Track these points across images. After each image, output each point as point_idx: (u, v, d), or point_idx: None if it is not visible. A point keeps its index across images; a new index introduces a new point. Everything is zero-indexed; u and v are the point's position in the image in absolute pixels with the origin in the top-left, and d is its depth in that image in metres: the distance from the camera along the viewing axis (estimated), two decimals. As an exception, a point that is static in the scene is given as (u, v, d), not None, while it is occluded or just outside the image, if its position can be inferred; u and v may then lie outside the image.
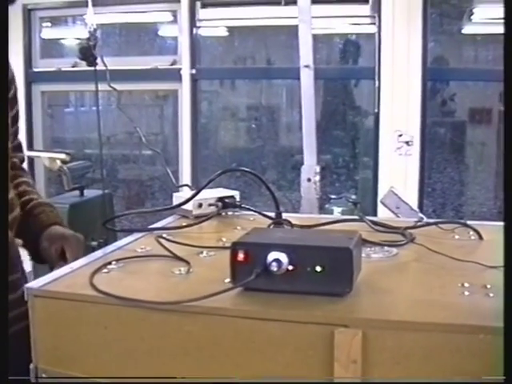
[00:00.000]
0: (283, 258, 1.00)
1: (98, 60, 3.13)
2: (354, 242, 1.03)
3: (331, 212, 3.22)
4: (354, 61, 4.63)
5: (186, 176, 4.36)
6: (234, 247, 1.03)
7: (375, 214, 3.62)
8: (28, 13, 4.75)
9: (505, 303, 0.86)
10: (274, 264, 1.00)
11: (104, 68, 3.13)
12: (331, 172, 4.44)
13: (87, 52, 2.98)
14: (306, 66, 2.33)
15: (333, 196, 3.32)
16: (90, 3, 3.03)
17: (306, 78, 2.29)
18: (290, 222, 1.39)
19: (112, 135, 5.14)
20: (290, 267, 1.01)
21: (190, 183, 4.26)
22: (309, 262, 1.00)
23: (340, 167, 4.57)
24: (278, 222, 1.36)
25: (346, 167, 4.61)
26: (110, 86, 2.95)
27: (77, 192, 3.89)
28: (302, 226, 1.43)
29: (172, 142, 5.12)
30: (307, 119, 2.42)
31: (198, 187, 1.57)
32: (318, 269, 1.00)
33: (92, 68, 3.11)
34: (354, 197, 3.73)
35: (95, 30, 2.89)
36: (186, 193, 1.67)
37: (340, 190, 4.31)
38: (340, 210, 3.26)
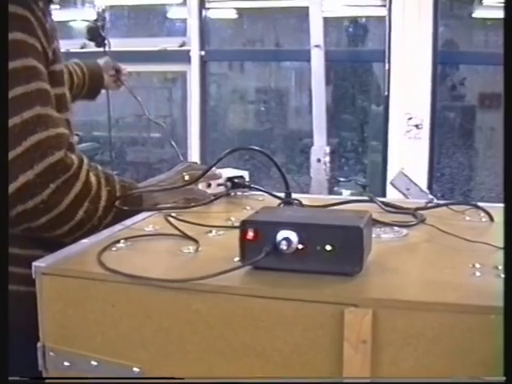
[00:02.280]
0: (293, 236, 0.99)
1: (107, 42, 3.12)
2: (364, 221, 1.02)
3: (340, 194, 3.20)
4: (364, 44, 4.60)
5: (194, 158, 4.35)
6: (244, 225, 1.02)
7: (384, 196, 3.61)
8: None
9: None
10: (284, 242, 0.99)
11: (113, 50, 3.11)
12: (340, 156, 4.42)
13: (95, 33, 2.95)
14: (317, 46, 2.30)
15: (341, 179, 3.30)
16: (98, -16, 3.01)
17: (317, 58, 2.26)
18: (299, 202, 1.38)
19: (120, 117, 5.12)
20: (300, 246, 1.00)
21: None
22: (319, 240, 0.99)
23: (349, 151, 4.55)
24: (288, 201, 1.35)
25: (355, 151, 4.59)
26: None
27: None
28: (311, 206, 1.42)
29: (181, 124, 5.11)
30: (317, 100, 2.40)
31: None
32: (328, 248, 0.99)
33: (101, 49, 3.08)
34: (363, 180, 3.72)
35: (103, 10, 2.87)
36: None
37: (349, 174, 4.29)
38: (349, 192, 3.25)
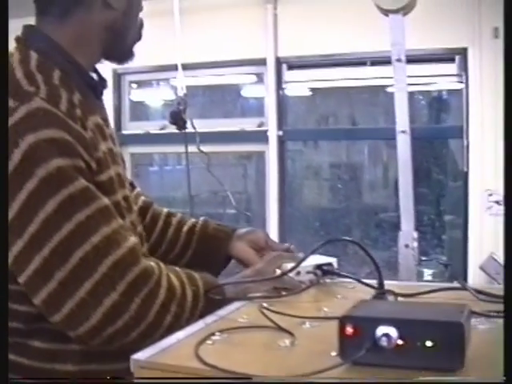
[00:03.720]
0: (393, 332, 0.98)
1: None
2: (464, 316, 1.00)
3: (422, 274, 3.16)
4: (439, 117, 4.59)
5: (272, 235, 4.36)
6: (343, 321, 1.01)
7: (465, 276, 3.55)
8: (118, 77, 4.91)
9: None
10: (384, 339, 0.98)
11: (193, 131, 3.19)
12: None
13: (177, 116, 3.04)
14: (403, 132, 2.30)
15: (423, 258, 3.26)
16: (179, 68, 3.10)
17: (403, 144, 2.26)
18: (394, 293, 1.37)
19: (196, 194, 5.20)
20: (400, 342, 0.98)
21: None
22: (419, 336, 0.98)
23: (425, 225, 4.50)
24: (382, 292, 1.34)
25: (432, 225, 4.54)
26: (199, 150, 2.98)
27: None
28: (404, 295, 1.40)
29: (256, 200, 5.15)
30: (404, 184, 2.39)
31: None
32: (429, 344, 0.97)
33: (181, 131, 3.16)
34: (443, 258, 3.66)
35: (185, 94, 2.95)
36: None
37: (426, 249, 4.23)
38: (431, 272, 3.20)
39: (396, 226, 4.52)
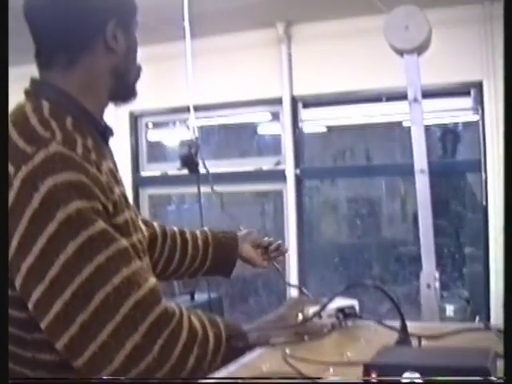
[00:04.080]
0: (418, 379, 0.97)
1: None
2: (490, 361, 1.00)
3: (444, 310, 3.13)
4: (455, 150, 4.58)
5: (292, 272, 4.33)
6: (367, 368, 1.00)
7: (488, 312, 3.50)
8: (134, 119, 4.94)
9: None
10: (409, 386, 0.97)
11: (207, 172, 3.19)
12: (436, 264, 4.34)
13: (188, 160, 3.03)
14: (422, 171, 2.30)
15: (444, 293, 3.23)
16: (191, 110, 3.11)
17: (422, 184, 2.26)
18: (418, 337, 1.36)
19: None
20: (425, 389, 0.97)
21: (296, 279, 4.24)
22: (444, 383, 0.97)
23: (445, 257, 4.46)
24: (406, 337, 1.33)
25: (452, 257, 4.50)
26: (213, 191, 2.97)
27: (187, 296, 3.87)
28: (427, 337, 1.39)
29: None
30: (424, 223, 2.38)
31: (304, 285, 1.57)
32: (455, 390, 0.97)
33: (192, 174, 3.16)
34: (465, 292, 3.63)
35: (197, 138, 2.96)
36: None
37: (447, 282, 4.19)
38: (452, 307, 3.16)
39: (415, 260, 4.49)
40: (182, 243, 1.93)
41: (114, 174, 1.47)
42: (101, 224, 1.28)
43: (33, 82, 1.47)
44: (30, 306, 1.27)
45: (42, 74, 1.48)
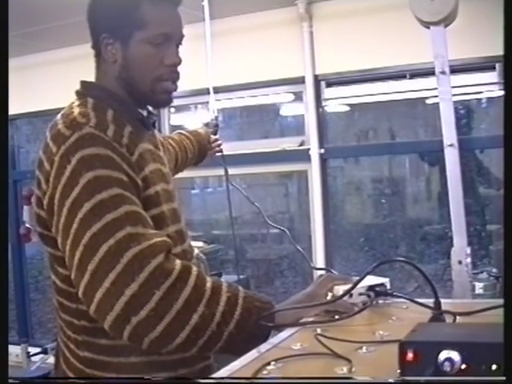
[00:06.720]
0: (456, 356, 0.94)
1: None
2: (529, 337, 0.96)
3: (473, 288, 3.09)
4: (479, 126, 4.52)
5: (319, 254, 4.29)
6: (403, 346, 0.98)
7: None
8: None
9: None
10: (447, 364, 0.94)
11: (232, 153, 3.16)
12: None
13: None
14: (450, 145, 2.25)
15: (474, 271, 3.19)
16: (211, 92, 3.08)
17: (451, 157, 2.21)
18: (453, 313, 1.33)
19: (239, 216, 5.18)
20: (464, 366, 0.94)
21: (323, 260, 4.21)
22: (484, 360, 0.94)
23: (471, 235, 4.41)
24: (440, 313, 1.30)
25: (478, 236, 4.45)
26: (226, 174, 2.90)
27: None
28: (462, 314, 1.36)
29: (299, 219, 5.12)
30: (454, 199, 2.34)
31: (330, 266, 1.55)
32: (494, 367, 0.94)
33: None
34: (493, 270, 3.57)
35: (216, 117, 2.93)
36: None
37: (474, 261, 4.15)
38: (482, 285, 3.12)
39: (441, 238, 4.45)
40: (184, 152, 2.47)
41: (151, 153, 1.69)
42: (115, 190, 1.46)
43: (81, 82, 1.71)
44: (66, 260, 1.47)
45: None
